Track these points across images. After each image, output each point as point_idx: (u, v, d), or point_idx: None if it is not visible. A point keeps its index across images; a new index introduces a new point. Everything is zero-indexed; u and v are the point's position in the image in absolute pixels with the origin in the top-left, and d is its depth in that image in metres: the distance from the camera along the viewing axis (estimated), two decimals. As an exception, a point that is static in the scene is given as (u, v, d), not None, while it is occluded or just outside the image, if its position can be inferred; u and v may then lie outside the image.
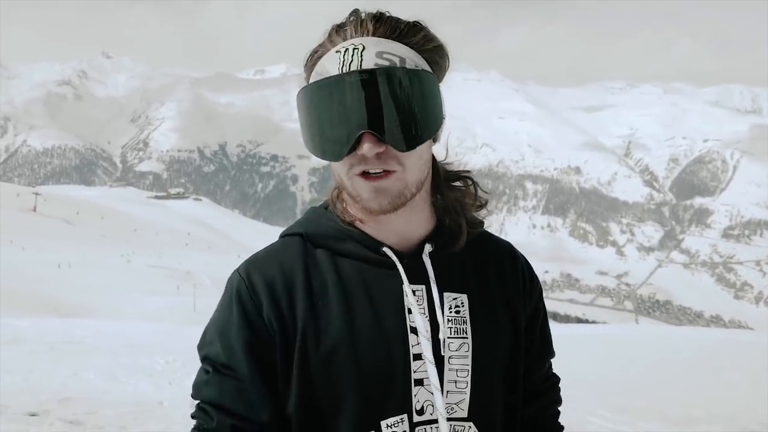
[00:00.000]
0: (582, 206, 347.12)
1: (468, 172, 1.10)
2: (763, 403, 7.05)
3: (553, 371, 1.26)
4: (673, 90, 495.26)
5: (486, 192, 1.09)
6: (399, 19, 0.97)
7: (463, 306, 1.03)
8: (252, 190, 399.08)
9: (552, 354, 1.22)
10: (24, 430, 4.58)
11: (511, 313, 1.10)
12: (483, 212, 1.11)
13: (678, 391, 8.09)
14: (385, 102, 0.90)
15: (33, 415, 4.99)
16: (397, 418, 0.96)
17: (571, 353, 12.06)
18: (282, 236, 1.10)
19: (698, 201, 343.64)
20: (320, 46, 0.98)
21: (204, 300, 28.42)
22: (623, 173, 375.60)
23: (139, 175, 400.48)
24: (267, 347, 0.98)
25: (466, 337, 1.01)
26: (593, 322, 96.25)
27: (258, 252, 1.08)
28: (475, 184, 1.09)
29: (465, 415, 1.00)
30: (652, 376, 9.29)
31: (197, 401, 1.01)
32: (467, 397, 1.00)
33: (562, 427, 1.23)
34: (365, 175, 0.93)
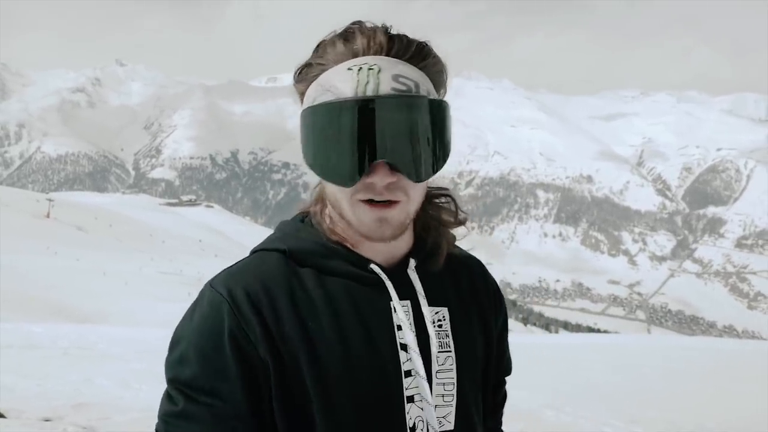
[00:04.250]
0: (594, 215, 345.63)
1: (447, 189, 1.06)
2: (777, 414, 6.98)
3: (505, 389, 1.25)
4: (686, 98, 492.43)
5: (464, 213, 1.06)
6: (408, 37, 0.92)
7: (444, 320, 1.02)
8: (264, 197, 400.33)
9: (510, 371, 1.22)
10: (40, 434, 4.54)
11: (484, 326, 1.10)
12: (462, 230, 1.08)
13: (691, 402, 8.04)
14: (405, 132, 0.86)
15: (47, 421, 5.02)
16: None
17: (583, 363, 12.01)
18: (255, 251, 1.02)
19: (711, 210, 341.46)
20: (320, 55, 0.92)
21: (215, 307, 28.29)
22: (636, 182, 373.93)
23: (152, 182, 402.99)
24: (256, 374, 0.89)
25: (450, 351, 1.01)
26: (605, 331, 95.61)
27: (231, 267, 0.98)
28: (454, 201, 1.06)
29: (452, 428, 0.99)
30: (664, 386, 9.23)
31: None
32: (453, 410, 0.99)
33: None
34: (369, 202, 0.89)
